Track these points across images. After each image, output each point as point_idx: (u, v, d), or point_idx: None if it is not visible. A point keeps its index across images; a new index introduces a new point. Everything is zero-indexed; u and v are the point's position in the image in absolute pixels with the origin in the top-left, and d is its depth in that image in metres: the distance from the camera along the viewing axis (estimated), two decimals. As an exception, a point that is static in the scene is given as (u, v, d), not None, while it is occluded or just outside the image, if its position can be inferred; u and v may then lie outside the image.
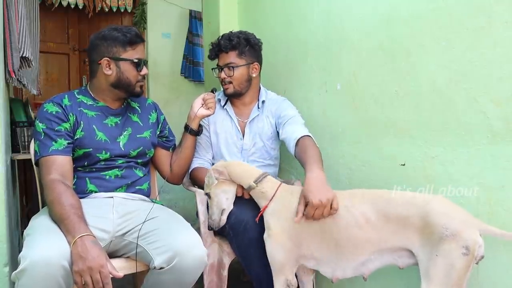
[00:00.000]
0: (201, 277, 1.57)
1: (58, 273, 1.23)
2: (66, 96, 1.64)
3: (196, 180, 1.88)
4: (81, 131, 1.59)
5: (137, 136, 1.72)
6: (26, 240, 1.34)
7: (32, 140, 1.65)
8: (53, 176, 1.47)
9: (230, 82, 1.90)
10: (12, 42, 1.79)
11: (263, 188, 1.52)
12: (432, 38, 1.43)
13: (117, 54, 1.61)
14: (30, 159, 1.71)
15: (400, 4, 1.54)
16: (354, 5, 1.76)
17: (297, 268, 1.51)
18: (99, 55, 1.61)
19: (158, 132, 1.83)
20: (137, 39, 1.63)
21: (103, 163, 1.62)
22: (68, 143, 1.56)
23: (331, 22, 1.88)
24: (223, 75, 1.90)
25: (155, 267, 1.40)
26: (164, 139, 1.85)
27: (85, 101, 1.66)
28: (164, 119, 1.88)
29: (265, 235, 1.50)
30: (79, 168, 1.61)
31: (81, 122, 1.60)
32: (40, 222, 1.43)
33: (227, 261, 1.77)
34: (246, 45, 1.90)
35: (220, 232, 1.78)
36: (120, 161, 1.65)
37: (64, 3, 3.80)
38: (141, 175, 1.72)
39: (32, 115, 2.54)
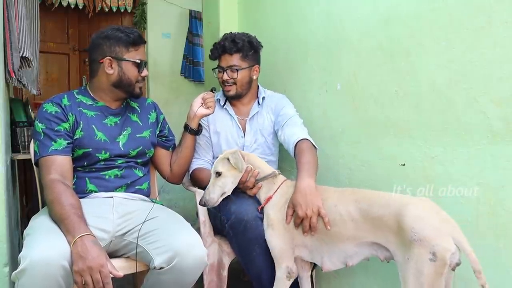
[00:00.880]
0: (201, 277, 1.57)
1: (58, 273, 1.23)
2: (66, 96, 1.64)
3: (197, 181, 1.88)
4: (80, 131, 1.59)
5: (137, 135, 1.72)
6: (26, 240, 1.34)
7: (32, 140, 1.65)
8: (53, 176, 1.47)
9: (233, 84, 1.90)
10: (12, 42, 1.79)
11: (277, 180, 1.62)
12: (432, 38, 1.43)
13: (120, 54, 1.61)
14: (30, 159, 1.71)
15: (399, 4, 1.55)
16: (354, 5, 1.76)
17: (295, 260, 1.55)
18: (101, 54, 1.61)
19: (158, 132, 1.83)
20: (140, 41, 1.65)
21: (102, 163, 1.62)
22: (68, 143, 1.56)
23: (331, 22, 1.89)
24: (225, 76, 1.90)
25: (155, 267, 1.40)
26: (164, 138, 1.85)
27: (84, 101, 1.66)
28: (164, 118, 1.87)
29: (264, 225, 1.57)
30: (79, 168, 1.61)
31: (81, 122, 1.60)
32: (40, 222, 1.43)
33: (227, 261, 1.77)
34: (250, 48, 1.91)
35: (220, 232, 1.78)
36: (119, 161, 1.65)
37: (64, 3, 3.80)
38: (141, 175, 1.72)
39: (32, 115, 2.54)
